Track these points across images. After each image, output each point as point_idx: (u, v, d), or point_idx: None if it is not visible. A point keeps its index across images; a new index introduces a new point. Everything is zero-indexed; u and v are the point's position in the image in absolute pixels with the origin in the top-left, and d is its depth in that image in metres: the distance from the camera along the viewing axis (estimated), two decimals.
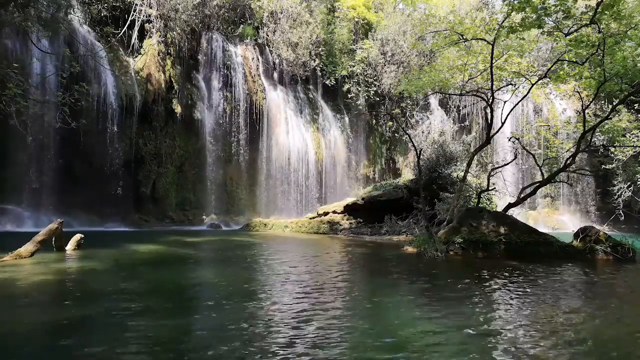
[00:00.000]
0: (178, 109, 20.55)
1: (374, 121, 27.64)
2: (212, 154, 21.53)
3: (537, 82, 12.27)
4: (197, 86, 21.74)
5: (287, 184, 23.32)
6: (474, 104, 27.67)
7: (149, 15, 19.88)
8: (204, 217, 20.73)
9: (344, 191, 24.84)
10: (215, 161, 21.62)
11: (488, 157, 27.16)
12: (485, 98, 13.03)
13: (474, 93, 14.55)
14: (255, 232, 17.33)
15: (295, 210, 22.87)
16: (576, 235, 10.43)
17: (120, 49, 19.45)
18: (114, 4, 19.26)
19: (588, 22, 10.09)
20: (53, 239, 8.54)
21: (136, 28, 19.65)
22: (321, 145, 24.91)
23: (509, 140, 15.08)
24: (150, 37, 20.12)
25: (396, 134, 27.01)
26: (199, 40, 22.13)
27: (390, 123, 26.65)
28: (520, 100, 13.46)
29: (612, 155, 17.78)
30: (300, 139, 23.94)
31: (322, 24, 26.04)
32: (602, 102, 20.78)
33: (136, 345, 3.49)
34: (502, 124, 12.77)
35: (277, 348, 3.47)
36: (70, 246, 9.02)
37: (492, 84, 11.74)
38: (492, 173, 14.04)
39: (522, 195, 12.34)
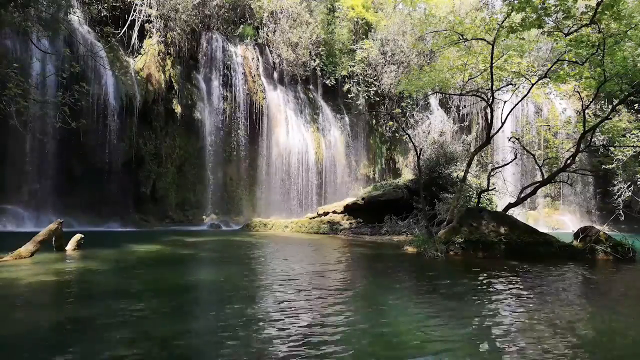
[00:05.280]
0: (178, 109, 20.55)
1: (374, 121, 27.62)
2: (212, 154, 21.51)
3: (537, 82, 12.26)
4: (197, 86, 21.73)
5: (287, 184, 23.30)
6: (474, 104, 27.64)
7: (149, 15, 19.87)
8: (204, 217, 20.72)
9: (344, 191, 24.82)
10: (215, 161, 21.59)
11: (488, 157, 27.14)
12: (485, 98, 13.03)
13: (474, 93, 14.55)
14: (255, 232, 17.33)
15: (295, 210, 22.85)
16: (576, 235, 10.44)
17: (120, 49, 19.43)
18: (114, 4, 19.24)
19: (588, 22, 10.08)
20: (53, 239, 8.53)
21: (136, 28, 19.63)
22: (321, 145, 24.89)
23: (509, 140, 15.07)
24: (150, 37, 20.11)
25: (396, 134, 26.99)
26: (199, 40, 22.10)
27: (391, 123, 26.63)
28: (520, 100, 13.46)
29: (612, 155, 17.75)
30: (300, 139, 23.93)
31: (322, 24, 26.00)
32: (602, 102, 20.76)
33: (136, 346, 3.49)
34: (502, 124, 12.77)
35: (277, 349, 3.47)
36: (70, 246, 9.02)
37: (492, 84, 11.74)
38: (492, 173, 14.04)
39: (522, 195, 12.34)
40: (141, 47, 20.01)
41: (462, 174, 13.35)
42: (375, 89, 26.30)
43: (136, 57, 19.85)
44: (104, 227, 16.60)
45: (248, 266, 8.24)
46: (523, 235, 10.02)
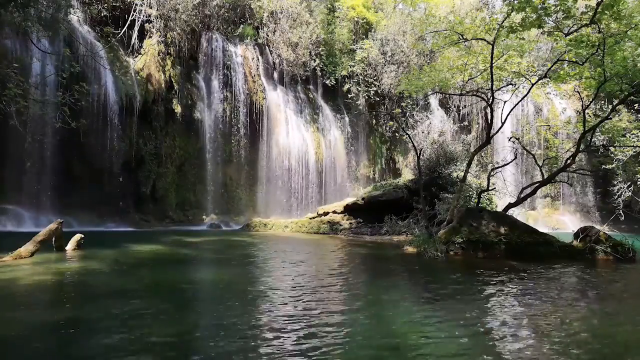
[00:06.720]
0: (178, 109, 20.55)
1: (374, 121, 27.61)
2: (212, 154, 21.51)
3: (537, 82, 12.26)
4: (197, 86, 21.73)
5: (287, 184, 23.30)
6: (474, 104, 27.63)
7: (149, 15, 19.87)
8: (204, 217, 20.72)
9: (344, 191, 24.81)
10: (215, 161, 21.60)
11: (488, 157, 27.14)
12: (485, 98, 13.02)
13: (474, 93, 14.54)
14: (255, 232, 17.33)
15: (295, 210, 22.85)
16: (576, 235, 10.43)
17: (120, 49, 19.43)
18: (114, 4, 19.24)
19: (588, 22, 10.08)
20: (53, 239, 8.53)
21: (136, 28, 19.63)
22: (321, 145, 24.89)
23: (509, 140, 15.07)
24: (150, 37, 20.11)
25: (396, 134, 26.97)
26: (199, 40, 22.10)
27: (391, 123, 26.62)
28: (520, 100, 13.45)
29: (612, 155, 17.75)
30: (300, 139, 23.92)
31: (322, 24, 26.00)
32: (602, 102, 20.75)
33: (136, 346, 3.49)
34: (502, 124, 12.77)
35: (277, 350, 3.47)
36: (70, 246, 9.02)
37: (492, 84, 11.73)
38: (492, 173, 14.04)
39: (522, 195, 12.33)
40: (141, 47, 20.01)
41: (462, 174, 13.34)
42: (375, 89, 26.30)
43: (136, 57, 19.85)
44: (104, 227, 16.59)
45: (248, 266, 8.23)
46: (523, 235, 10.01)
